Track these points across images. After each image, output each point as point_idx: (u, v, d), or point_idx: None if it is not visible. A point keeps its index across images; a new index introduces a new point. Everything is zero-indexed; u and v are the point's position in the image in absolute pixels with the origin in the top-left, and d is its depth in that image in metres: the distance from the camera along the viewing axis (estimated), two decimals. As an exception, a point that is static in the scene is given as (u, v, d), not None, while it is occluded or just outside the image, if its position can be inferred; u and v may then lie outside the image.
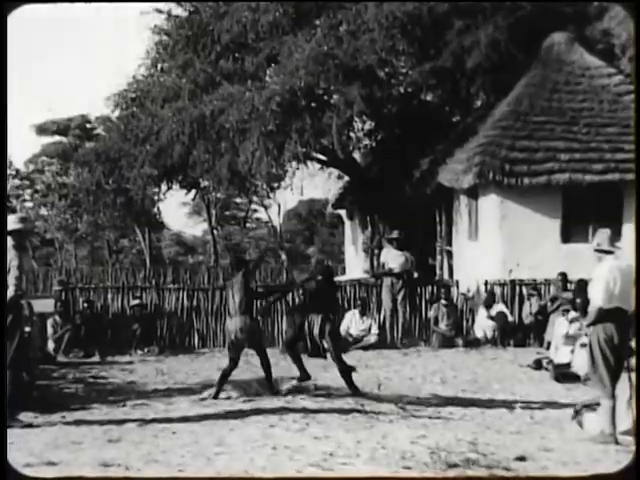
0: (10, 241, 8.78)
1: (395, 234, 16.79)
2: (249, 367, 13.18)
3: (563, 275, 15.46)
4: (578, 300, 13.09)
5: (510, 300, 16.11)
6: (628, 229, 16.68)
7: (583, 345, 11.93)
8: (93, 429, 8.49)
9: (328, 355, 10.57)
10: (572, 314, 13.02)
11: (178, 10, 23.16)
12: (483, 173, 17.27)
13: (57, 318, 15.45)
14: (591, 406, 8.80)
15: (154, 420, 8.95)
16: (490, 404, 10.32)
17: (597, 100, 18.47)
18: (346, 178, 24.81)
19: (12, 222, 8.96)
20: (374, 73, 20.19)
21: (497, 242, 17.50)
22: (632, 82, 18.08)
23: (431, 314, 16.03)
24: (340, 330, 15.64)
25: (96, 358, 14.96)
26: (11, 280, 8.57)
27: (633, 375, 8.39)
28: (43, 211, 45.73)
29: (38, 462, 6.95)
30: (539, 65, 19.42)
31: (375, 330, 15.70)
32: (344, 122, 19.94)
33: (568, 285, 15.31)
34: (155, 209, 30.93)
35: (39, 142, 48.43)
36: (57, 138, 47.90)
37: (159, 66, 23.26)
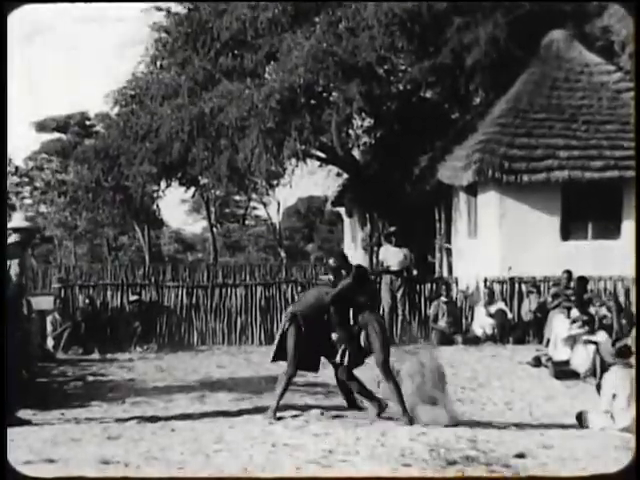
0: (14, 238, 8.77)
1: (392, 229, 16.72)
2: (249, 365, 13.24)
3: (568, 273, 15.37)
4: (573, 298, 13.10)
5: (509, 297, 16.09)
6: (627, 226, 16.71)
7: (587, 342, 11.97)
8: (92, 426, 8.50)
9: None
10: (573, 313, 13.00)
11: (178, 7, 23.17)
12: (482, 170, 17.26)
13: (56, 315, 15.44)
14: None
15: (153, 417, 8.95)
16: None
17: (596, 97, 18.47)
18: (345, 175, 24.79)
19: (19, 220, 8.95)
20: (373, 70, 20.16)
21: (496, 239, 17.49)
22: (632, 79, 18.07)
23: (431, 311, 16.00)
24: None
25: (95, 355, 14.94)
26: (12, 276, 8.57)
27: (634, 372, 8.39)
28: (42, 208, 45.76)
29: (37, 459, 6.95)
30: (538, 62, 19.41)
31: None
32: (343, 119, 19.93)
33: (572, 283, 15.25)
34: (154, 206, 30.88)
35: (38, 139, 48.41)
36: (56, 135, 47.79)
37: (158, 63, 23.20)
